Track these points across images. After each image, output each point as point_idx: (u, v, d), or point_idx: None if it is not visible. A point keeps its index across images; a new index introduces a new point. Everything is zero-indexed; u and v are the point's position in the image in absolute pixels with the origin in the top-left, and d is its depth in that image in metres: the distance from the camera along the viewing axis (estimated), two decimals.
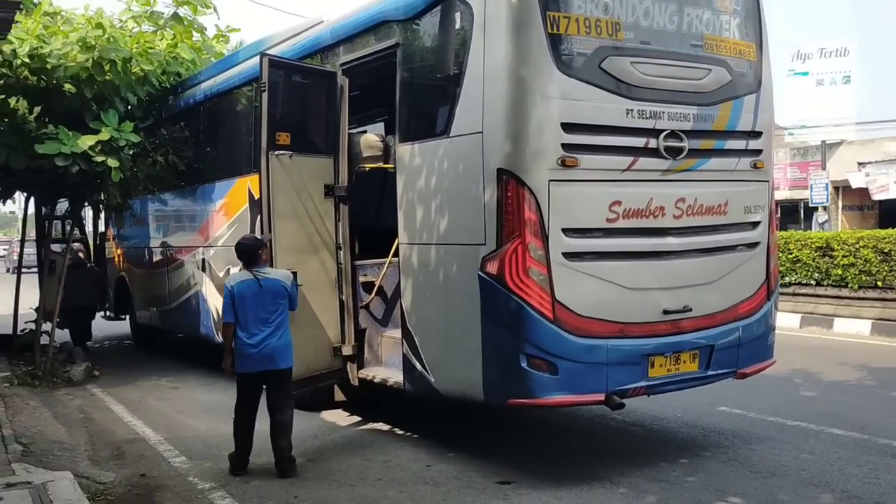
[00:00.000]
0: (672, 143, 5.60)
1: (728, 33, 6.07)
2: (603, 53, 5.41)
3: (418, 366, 5.94)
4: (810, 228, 21.93)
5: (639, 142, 5.51)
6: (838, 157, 23.68)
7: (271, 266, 6.16)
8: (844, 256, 12.33)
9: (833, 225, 22.89)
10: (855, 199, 24.22)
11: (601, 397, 5.35)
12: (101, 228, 13.46)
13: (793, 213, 26.18)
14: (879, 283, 11.98)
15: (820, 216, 21.77)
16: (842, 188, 23.93)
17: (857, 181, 22.32)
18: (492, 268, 5.25)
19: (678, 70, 5.72)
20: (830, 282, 12.64)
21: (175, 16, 9.52)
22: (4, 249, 48.66)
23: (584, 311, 5.32)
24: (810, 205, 22.64)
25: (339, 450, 6.38)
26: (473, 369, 5.41)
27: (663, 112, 5.57)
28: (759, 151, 6.19)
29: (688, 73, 5.76)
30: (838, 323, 12.42)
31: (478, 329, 5.36)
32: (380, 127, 9.40)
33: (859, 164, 22.65)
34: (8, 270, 38.54)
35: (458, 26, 5.71)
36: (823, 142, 23.63)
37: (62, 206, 11.25)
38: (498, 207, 5.23)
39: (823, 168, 22.73)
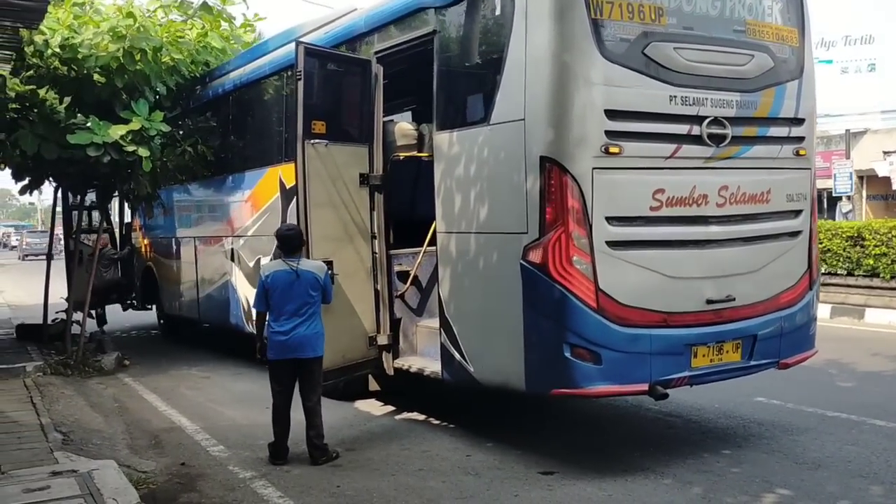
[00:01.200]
0: (715, 130, 5.53)
1: (770, 18, 5.97)
2: (646, 39, 5.34)
3: (457, 356, 5.91)
4: (834, 218, 21.69)
5: (682, 129, 5.44)
6: (863, 147, 23.39)
7: (307, 256, 6.15)
8: (876, 246, 12.18)
9: (857, 215, 22.63)
10: (880, 188, 23.92)
11: (645, 387, 5.29)
12: (128, 218, 13.53)
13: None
14: None
15: (844, 206, 21.51)
16: (866, 178, 23.65)
17: (882, 170, 22.05)
18: (534, 256, 5.20)
19: (721, 56, 5.64)
20: (861, 272, 12.49)
21: (204, 5, 9.50)
22: (17, 239, 49.54)
23: (628, 300, 5.26)
24: (834, 194, 22.34)
25: (376, 439, 6.37)
26: (515, 359, 5.37)
27: (706, 99, 5.50)
28: (801, 139, 6.10)
29: (731, 59, 5.68)
30: (870, 313, 12.27)
31: (520, 318, 5.32)
32: (409, 116, 9.38)
33: (885, 153, 22.36)
34: (20, 258, 39.46)
35: (498, 12, 5.64)
36: (847, 131, 23.35)
37: (88, 196, 11.30)
38: (540, 195, 5.17)
39: (847, 157, 22.45)
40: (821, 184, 24.23)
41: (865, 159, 22.67)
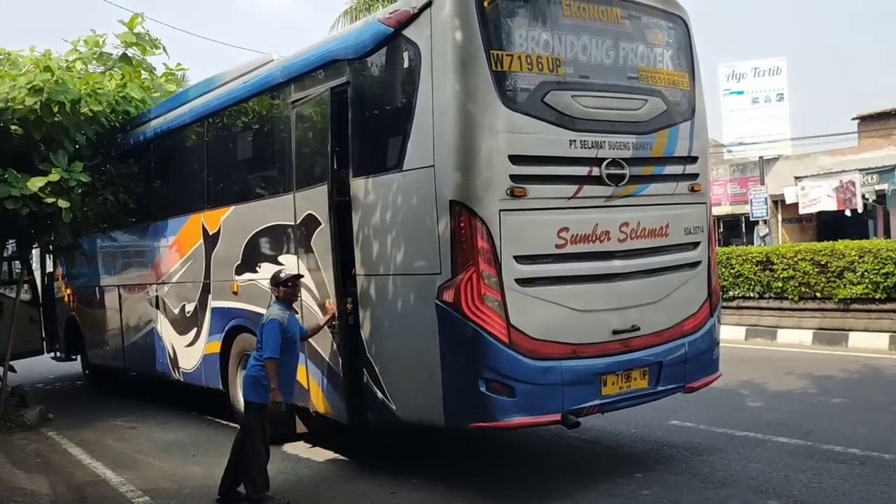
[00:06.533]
0: (614, 170, 5.87)
1: (662, 65, 6.39)
2: (545, 88, 5.67)
3: (379, 394, 6.06)
4: (752, 242, 22.63)
5: (583, 170, 5.77)
6: (776, 172, 24.54)
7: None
8: (784, 269, 12.82)
9: (774, 238, 23.65)
10: (794, 212, 25.02)
11: (558, 417, 5.54)
12: (49, 268, 13.30)
13: (734, 228, 26.98)
14: (818, 294, 12.46)
15: (761, 229, 22.48)
16: (780, 202, 24.75)
17: (790, 196, 23.13)
18: (448, 296, 5.42)
19: (617, 101, 6.02)
20: (772, 294, 13.10)
21: (124, 56, 9.53)
22: None
23: (538, 334, 5.52)
24: (751, 219, 23.37)
25: (304, 481, 6.45)
26: (434, 396, 5.56)
27: (604, 142, 5.85)
28: (695, 175, 6.51)
29: (626, 104, 6.06)
30: (781, 334, 12.87)
31: (437, 356, 5.52)
32: None
33: (796, 178, 23.49)
34: None
35: (406, 65, 5.92)
36: (761, 157, 24.49)
37: (10, 246, 11.11)
38: (452, 238, 5.41)
39: (762, 183, 23.54)
40: (738, 209, 25.42)
41: (779, 184, 23.77)
